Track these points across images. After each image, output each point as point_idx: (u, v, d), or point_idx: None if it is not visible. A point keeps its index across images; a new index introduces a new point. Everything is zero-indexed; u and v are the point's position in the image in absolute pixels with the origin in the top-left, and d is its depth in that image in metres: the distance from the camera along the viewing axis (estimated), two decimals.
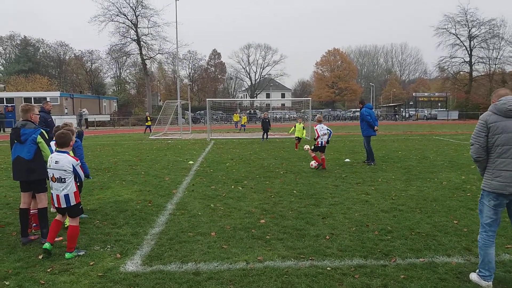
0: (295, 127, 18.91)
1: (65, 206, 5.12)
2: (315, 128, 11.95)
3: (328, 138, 11.95)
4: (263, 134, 22.77)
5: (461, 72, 65.76)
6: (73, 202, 5.14)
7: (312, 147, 11.91)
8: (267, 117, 23.15)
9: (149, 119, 32.92)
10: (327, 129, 12.00)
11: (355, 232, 5.93)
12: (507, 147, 4.05)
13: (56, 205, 5.18)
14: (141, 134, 29.99)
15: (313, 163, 11.66)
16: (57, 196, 5.13)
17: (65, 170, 5.09)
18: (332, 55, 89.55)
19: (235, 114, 39.40)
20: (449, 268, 4.61)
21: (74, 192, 5.16)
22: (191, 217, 6.81)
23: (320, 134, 11.73)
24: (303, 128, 18.56)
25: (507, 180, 4.05)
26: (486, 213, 4.26)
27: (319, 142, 11.77)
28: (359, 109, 13.91)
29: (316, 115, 13.28)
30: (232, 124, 42.19)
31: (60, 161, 5.09)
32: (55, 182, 5.12)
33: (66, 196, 5.09)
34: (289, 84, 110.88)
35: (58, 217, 5.28)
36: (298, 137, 18.41)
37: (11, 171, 5.81)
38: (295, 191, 8.73)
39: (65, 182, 5.09)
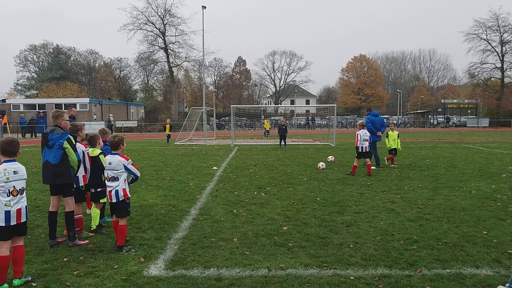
0: (387, 136, 14.24)
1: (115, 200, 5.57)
2: (357, 133, 12.23)
3: (369, 145, 12.14)
4: (280, 141, 22.61)
5: (492, 79, 63.97)
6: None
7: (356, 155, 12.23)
8: (285, 124, 22.88)
9: (168, 127, 27.56)
10: (370, 136, 12.29)
11: (379, 241, 5.82)
12: None
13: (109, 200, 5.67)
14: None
15: (321, 165, 13.29)
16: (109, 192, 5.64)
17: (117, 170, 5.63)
18: (359, 61, 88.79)
19: (266, 122, 36.76)
20: (477, 280, 4.46)
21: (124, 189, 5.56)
22: (214, 222, 6.85)
23: (361, 140, 11.99)
24: (398, 136, 14.15)
25: None
26: None
27: (360, 148, 11.98)
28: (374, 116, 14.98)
29: (358, 121, 13.58)
30: (262, 130, 41.50)
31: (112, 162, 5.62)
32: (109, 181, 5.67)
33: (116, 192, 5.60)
34: (314, 91, 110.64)
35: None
36: (393, 148, 14.02)
37: (41, 175, 6.00)
38: (318, 199, 8.65)
39: (118, 179, 5.63)
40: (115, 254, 5.34)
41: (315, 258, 5.15)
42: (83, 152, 6.35)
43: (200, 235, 6.13)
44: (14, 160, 4.56)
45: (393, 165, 13.69)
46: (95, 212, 6.46)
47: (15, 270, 4.48)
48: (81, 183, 6.24)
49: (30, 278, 4.55)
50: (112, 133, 6.73)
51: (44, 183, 5.92)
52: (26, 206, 4.56)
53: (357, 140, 12.06)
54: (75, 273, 4.74)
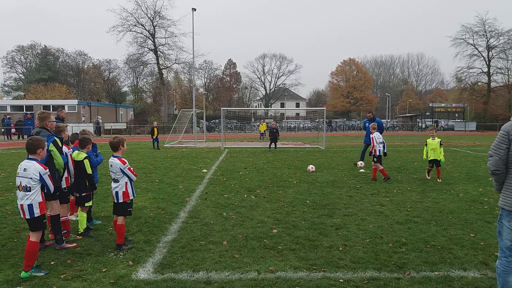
0: (426, 145, 11.89)
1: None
2: (371, 136, 11.81)
3: (384, 148, 11.76)
4: (270, 144, 22.55)
5: (479, 83, 64.87)
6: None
7: (375, 159, 11.59)
8: (276, 127, 22.81)
9: (156, 131, 24.23)
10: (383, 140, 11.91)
11: (369, 243, 5.85)
12: None
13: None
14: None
15: (310, 167, 13.30)
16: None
17: (115, 172, 5.63)
18: (348, 65, 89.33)
19: (263, 124, 36.92)
20: (465, 283, 4.50)
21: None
22: (204, 225, 6.82)
23: (376, 143, 11.63)
24: (440, 144, 11.51)
25: None
26: (506, 236, 3.81)
27: (377, 151, 11.57)
28: (370, 120, 14.91)
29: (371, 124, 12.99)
30: (252, 133, 41.65)
31: (112, 164, 5.63)
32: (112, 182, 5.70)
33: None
34: (304, 94, 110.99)
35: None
36: (432, 160, 11.55)
37: None
38: (308, 201, 8.67)
39: (118, 181, 5.63)
40: (103, 257, 5.29)
41: (304, 261, 5.15)
42: (65, 154, 6.26)
43: (189, 238, 6.10)
44: (33, 159, 4.86)
45: (436, 179, 11.48)
46: (81, 215, 6.37)
47: (24, 263, 4.73)
48: (64, 185, 6.10)
49: (42, 274, 4.73)
50: (95, 135, 6.67)
51: None
52: (30, 205, 4.76)
53: (373, 143, 11.68)
54: (62, 276, 4.68)
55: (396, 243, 5.86)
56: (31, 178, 4.76)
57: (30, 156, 4.90)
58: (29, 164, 4.81)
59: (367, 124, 14.87)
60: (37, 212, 4.80)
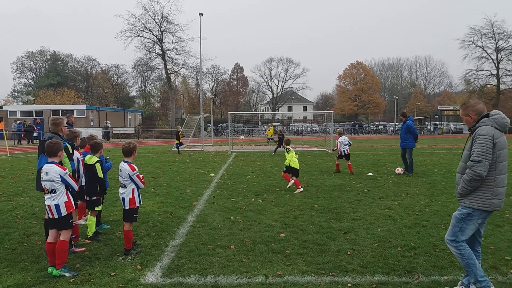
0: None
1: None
2: (337, 142, 14.51)
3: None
4: (276, 148, 22.53)
5: (488, 85, 64.37)
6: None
7: (342, 157, 14.29)
8: (282, 134, 22.91)
9: (180, 136, 24.71)
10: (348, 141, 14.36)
11: (377, 248, 5.82)
12: (505, 163, 4.07)
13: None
14: (164, 147, 30.22)
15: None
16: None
17: (123, 178, 5.67)
18: (355, 68, 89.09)
19: (270, 128, 36.71)
20: None
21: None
22: (211, 229, 6.83)
23: (341, 146, 14.16)
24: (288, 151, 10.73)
25: (502, 196, 4.11)
26: (469, 232, 4.22)
27: (342, 152, 14.15)
28: (402, 122, 14.02)
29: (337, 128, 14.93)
30: (259, 137, 41.70)
31: (122, 169, 5.66)
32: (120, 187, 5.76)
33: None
34: (311, 97, 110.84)
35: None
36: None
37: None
38: (316, 205, 8.65)
39: (126, 187, 5.65)
40: (112, 262, 5.32)
41: (312, 265, 5.14)
42: (77, 159, 6.33)
43: (197, 242, 6.11)
44: (52, 162, 5.02)
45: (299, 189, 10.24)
46: (90, 219, 6.42)
47: (56, 261, 4.89)
48: None
49: (70, 275, 4.85)
50: (103, 139, 6.73)
51: (37, 189, 5.89)
52: (57, 205, 4.95)
53: (337, 147, 14.31)
54: (71, 280, 4.71)
55: (404, 247, 5.82)
56: (53, 181, 4.93)
57: (49, 160, 5.05)
58: (49, 168, 4.96)
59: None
60: (64, 211, 4.98)
